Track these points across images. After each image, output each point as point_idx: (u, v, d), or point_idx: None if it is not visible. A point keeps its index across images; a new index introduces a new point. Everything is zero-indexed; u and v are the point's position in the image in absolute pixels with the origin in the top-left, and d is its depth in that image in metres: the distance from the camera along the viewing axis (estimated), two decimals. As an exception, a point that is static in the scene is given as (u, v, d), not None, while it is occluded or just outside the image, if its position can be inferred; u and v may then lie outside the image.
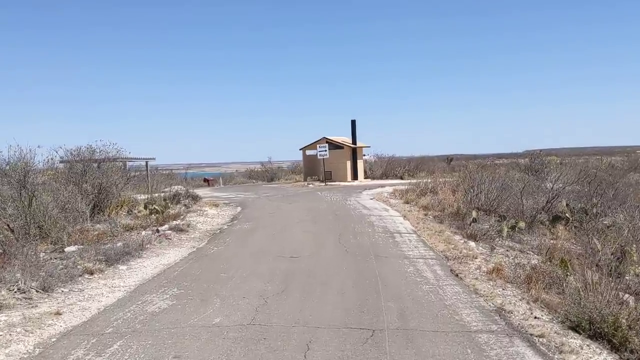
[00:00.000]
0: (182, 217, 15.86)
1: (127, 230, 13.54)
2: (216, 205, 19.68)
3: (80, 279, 8.32)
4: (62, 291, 7.57)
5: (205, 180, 41.77)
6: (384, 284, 7.67)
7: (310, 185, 32.42)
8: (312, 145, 36.72)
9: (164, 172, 42.21)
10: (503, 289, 7.79)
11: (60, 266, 9.10)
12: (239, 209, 18.85)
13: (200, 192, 28.61)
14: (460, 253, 10.21)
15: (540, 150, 29.70)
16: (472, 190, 18.45)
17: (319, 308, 6.50)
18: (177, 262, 9.64)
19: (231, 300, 6.91)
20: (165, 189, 23.90)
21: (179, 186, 28.83)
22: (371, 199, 21.57)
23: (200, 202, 20.34)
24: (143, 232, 13.10)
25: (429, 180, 24.07)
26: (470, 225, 13.78)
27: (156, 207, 16.69)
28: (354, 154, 36.95)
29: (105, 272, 8.84)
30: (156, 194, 21.00)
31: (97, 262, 9.38)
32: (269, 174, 46.73)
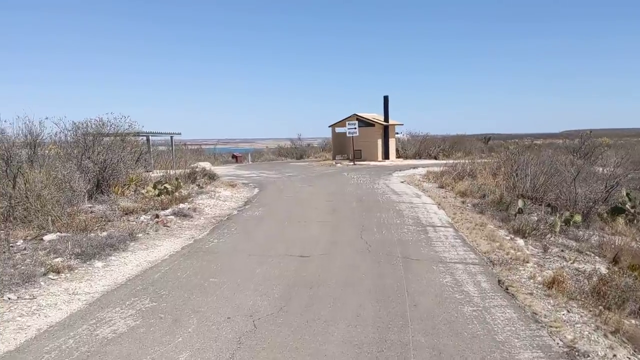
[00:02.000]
0: (190, 199, 14.35)
1: (126, 213, 12.06)
2: (232, 186, 18.16)
3: (41, 280, 6.81)
4: (9, 298, 6.07)
5: (234, 156, 40.90)
6: (413, 302, 5.89)
7: (338, 165, 30.62)
8: (341, 123, 34.87)
9: (193, 147, 41.33)
10: (568, 311, 5.98)
11: (27, 260, 7.68)
12: (256, 190, 17.24)
13: (224, 169, 27.34)
14: (508, 255, 8.38)
15: (590, 131, 27.09)
16: (515, 175, 16.46)
17: (323, 342, 4.79)
18: (165, 259, 8.06)
19: (210, 323, 5.27)
20: (192, 165, 22.68)
21: (206, 163, 27.67)
22: (402, 182, 19.68)
23: (216, 182, 18.86)
24: (142, 217, 11.62)
25: (466, 162, 21.98)
26: (515, 216, 11.88)
27: (166, 187, 15.23)
28: (386, 132, 34.88)
29: (76, 271, 7.32)
30: (172, 172, 19.64)
31: (72, 257, 7.91)
32: (298, 152, 45.41)
